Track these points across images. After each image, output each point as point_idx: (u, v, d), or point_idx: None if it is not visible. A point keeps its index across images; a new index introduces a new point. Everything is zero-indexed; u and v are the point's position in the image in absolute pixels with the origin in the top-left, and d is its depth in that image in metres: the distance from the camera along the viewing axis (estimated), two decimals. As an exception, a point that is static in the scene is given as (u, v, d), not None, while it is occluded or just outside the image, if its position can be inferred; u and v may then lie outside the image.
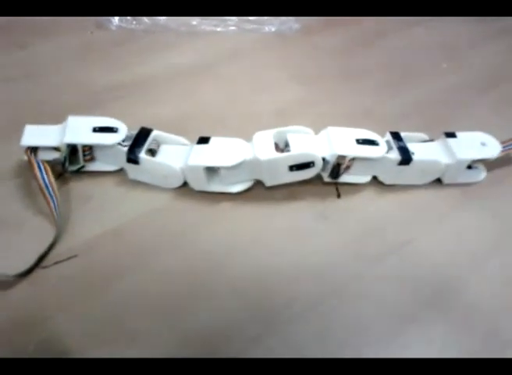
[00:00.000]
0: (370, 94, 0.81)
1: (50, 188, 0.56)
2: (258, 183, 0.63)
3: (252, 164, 0.60)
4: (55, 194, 0.56)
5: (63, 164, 0.60)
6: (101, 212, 0.60)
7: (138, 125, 0.62)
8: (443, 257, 0.57)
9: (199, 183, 0.62)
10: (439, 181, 0.65)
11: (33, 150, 0.59)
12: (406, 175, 0.63)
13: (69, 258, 0.54)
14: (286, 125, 0.73)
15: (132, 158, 0.60)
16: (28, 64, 0.83)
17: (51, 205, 0.56)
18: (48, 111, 0.74)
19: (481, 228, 0.60)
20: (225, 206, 0.62)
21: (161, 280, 0.53)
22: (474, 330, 0.50)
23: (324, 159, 0.60)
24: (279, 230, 0.59)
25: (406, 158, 0.61)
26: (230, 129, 0.67)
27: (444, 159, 0.62)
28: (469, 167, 0.65)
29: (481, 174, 0.66)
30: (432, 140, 0.66)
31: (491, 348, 0.49)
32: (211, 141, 0.62)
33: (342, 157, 0.60)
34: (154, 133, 0.62)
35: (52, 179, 0.57)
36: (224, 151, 0.61)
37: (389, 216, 0.61)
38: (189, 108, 0.76)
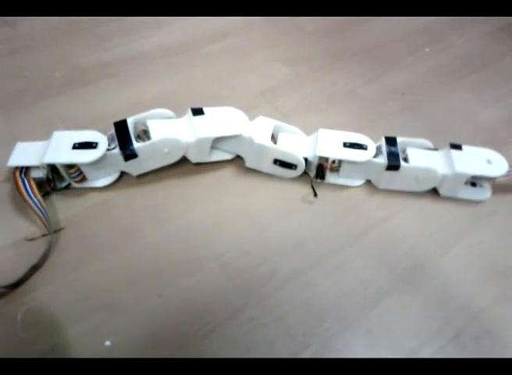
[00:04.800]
0: (353, 75, 0.82)
1: (38, 205, 0.55)
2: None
3: (245, 141, 0.62)
4: (43, 207, 0.56)
5: (48, 183, 0.58)
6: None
7: (127, 103, 0.63)
8: (421, 234, 0.60)
9: (201, 155, 0.62)
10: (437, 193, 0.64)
11: (26, 168, 0.58)
12: (399, 181, 0.62)
13: (56, 232, 0.56)
14: (273, 105, 0.74)
15: (129, 154, 0.58)
16: (16, 41, 0.83)
17: (42, 218, 0.55)
18: (38, 87, 0.74)
19: (459, 209, 0.63)
20: (213, 181, 0.64)
21: (148, 252, 0.56)
22: (448, 303, 0.53)
23: (306, 160, 0.61)
24: (265, 205, 0.61)
25: (393, 164, 0.60)
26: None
27: (441, 169, 0.60)
28: (473, 184, 0.63)
29: (485, 194, 0.64)
30: (436, 149, 0.64)
31: (464, 320, 0.52)
32: (206, 111, 0.62)
33: (323, 158, 0.61)
34: (130, 120, 0.60)
35: (39, 196, 0.56)
36: (225, 121, 0.62)
37: (371, 195, 0.63)
38: (176, 86, 0.77)
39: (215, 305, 0.51)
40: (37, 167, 0.57)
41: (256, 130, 0.61)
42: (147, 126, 0.60)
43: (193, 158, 0.62)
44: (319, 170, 0.62)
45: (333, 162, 0.61)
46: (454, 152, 0.61)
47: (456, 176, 0.60)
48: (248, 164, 0.64)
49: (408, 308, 0.52)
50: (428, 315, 0.52)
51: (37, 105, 0.71)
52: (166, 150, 0.59)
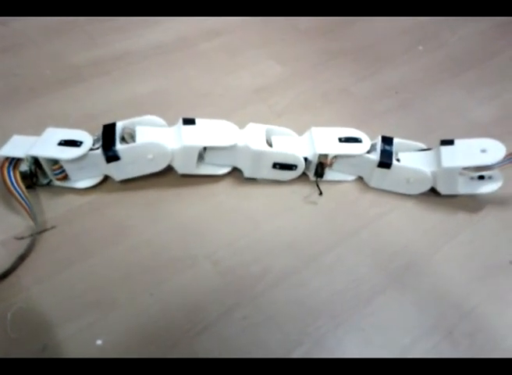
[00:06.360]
0: (347, 74, 0.82)
1: (21, 194, 0.56)
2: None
3: (240, 151, 0.60)
4: (27, 198, 0.56)
5: (30, 176, 0.58)
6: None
7: (120, 101, 0.62)
8: (413, 232, 0.60)
9: (187, 165, 0.60)
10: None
11: (17, 159, 0.58)
12: (390, 180, 0.62)
13: (45, 230, 0.55)
14: (266, 103, 0.74)
15: (111, 156, 0.56)
16: (8, 39, 0.82)
17: (27, 208, 0.55)
18: (29, 85, 0.74)
19: (451, 207, 0.63)
20: (207, 182, 0.63)
21: (140, 250, 0.55)
22: (441, 300, 0.53)
23: (306, 159, 0.61)
24: (257, 205, 0.61)
25: (385, 161, 0.59)
26: (210, 105, 0.67)
27: (431, 168, 0.60)
28: (481, 177, 0.61)
29: (492, 186, 0.61)
30: (429, 149, 0.63)
31: (457, 317, 0.52)
32: (198, 122, 0.60)
33: (323, 156, 0.61)
34: (120, 124, 0.59)
35: (22, 186, 0.56)
36: (215, 132, 0.60)
37: (363, 193, 0.63)
38: (170, 84, 0.77)
39: (207, 304, 0.51)
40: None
41: (250, 137, 0.60)
42: (134, 131, 0.59)
43: (179, 168, 0.60)
44: (319, 168, 0.61)
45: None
46: (444, 148, 0.60)
47: (446, 172, 0.59)
48: (247, 174, 0.62)
49: (401, 306, 0.52)
50: (421, 312, 0.52)
51: (28, 104, 0.71)
52: (150, 156, 0.57)
